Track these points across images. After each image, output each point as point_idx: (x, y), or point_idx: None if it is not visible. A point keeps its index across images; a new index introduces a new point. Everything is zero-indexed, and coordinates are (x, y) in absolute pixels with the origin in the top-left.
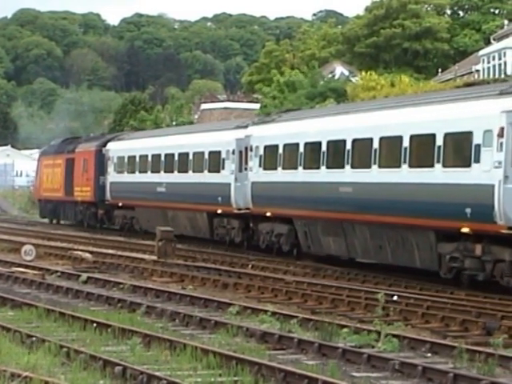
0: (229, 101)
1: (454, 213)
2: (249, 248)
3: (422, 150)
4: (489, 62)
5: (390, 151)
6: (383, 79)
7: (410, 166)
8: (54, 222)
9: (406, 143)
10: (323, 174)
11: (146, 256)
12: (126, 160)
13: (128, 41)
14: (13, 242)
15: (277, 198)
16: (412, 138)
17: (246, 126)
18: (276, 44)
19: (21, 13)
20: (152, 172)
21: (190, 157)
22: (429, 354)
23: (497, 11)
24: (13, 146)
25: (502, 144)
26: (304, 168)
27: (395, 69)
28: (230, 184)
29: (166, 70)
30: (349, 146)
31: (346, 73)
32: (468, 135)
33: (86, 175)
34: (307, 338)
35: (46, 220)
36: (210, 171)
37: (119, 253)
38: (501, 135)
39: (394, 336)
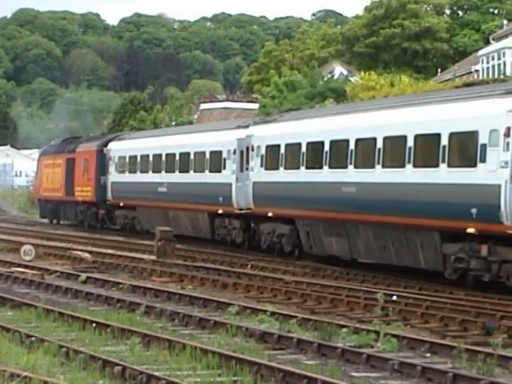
0: (228, 101)
1: (459, 213)
2: (250, 248)
3: (427, 149)
4: (488, 62)
5: (394, 151)
6: (383, 79)
7: (415, 165)
8: (54, 222)
9: (410, 143)
10: (326, 174)
11: (145, 256)
12: (127, 160)
13: (127, 41)
14: (12, 242)
15: (279, 198)
16: (417, 137)
17: (247, 126)
18: (275, 44)
19: (20, 13)
20: (153, 172)
21: (191, 157)
22: (428, 354)
23: (496, 11)
24: (12, 146)
25: (508, 144)
26: (306, 168)
27: (394, 69)
28: (231, 184)
29: (165, 69)
30: (352, 145)
31: (346, 73)
32: (474, 135)
33: (87, 175)
34: (306, 337)
35: (45, 220)
36: (211, 171)
37: (118, 253)
38: (507, 135)
39: (394, 336)
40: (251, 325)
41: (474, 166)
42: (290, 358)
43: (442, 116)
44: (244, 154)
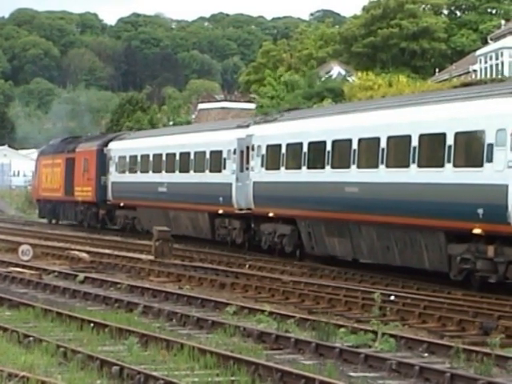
0: (226, 101)
1: (465, 213)
2: (250, 249)
3: (432, 149)
4: (486, 62)
5: (399, 151)
6: (380, 79)
7: (419, 165)
8: (53, 222)
9: (415, 142)
10: (328, 174)
11: (143, 256)
12: (127, 160)
13: (125, 41)
14: (10, 242)
15: (279, 198)
16: (421, 137)
17: (247, 126)
18: (273, 44)
19: (18, 12)
20: (153, 172)
21: (192, 156)
22: (426, 354)
23: (494, 11)
24: (10, 146)
25: None
26: (308, 168)
27: (392, 69)
28: (231, 184)
29: (163, 69)
30: (355, 145)
31: (343, 73)
32: (480, 134)
33: (87, 175)
34: (304, 337)
35: (43, 220)
36: (211, 171)
37: (116, 253)
38: None
39: (391, 336)
40: (249, 325)
41: (481, 165)
42: (287, 358)
43: (447, 115)
44: (244, 153)
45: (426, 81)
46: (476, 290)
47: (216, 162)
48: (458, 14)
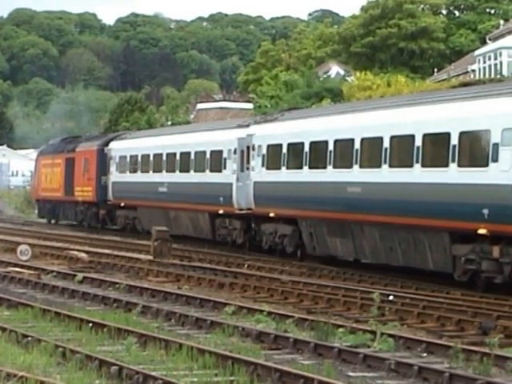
0: (225, 100)
1: (470, 214)
2: (251, 249)
3: (436, 149)
4: (484, 62)
5: (402, 150)
6: (379, 79)
7: (423, 165)
8: (53, 222)
9: (418, 142)
10: (330, 174)
11: (141, 256)
12: (128, 159)
13: (124, 40)
14: (8, 242)
15: (280, 198)
16: (425, 136)
17: (247, 125)
18: (272, 44)
19: (16, 12)
20: (154, 172)
21: (192, 156)
22: (424, 354)
23: (492, 11)
24: (8, 146)
25: None
26: (309, 167)
27: (391, 69)
28: (231, 184)
29: (161, 69)
30: (357, 145)
31: (342, 72)
32: (485, 134)
33: (87, 175)
34: (303, 337)
35: (42, 220)
36: (211, 171)
37: (115, 253)
38: None
39: (390, 336)
40: (248, 325)
41: (486, 165)
42: (286, 358)
43: (451, 115)
44: (245, 153)
45: (424, 81)
46: (481, 291)
47: (216, 161)
48: (457, 13)
